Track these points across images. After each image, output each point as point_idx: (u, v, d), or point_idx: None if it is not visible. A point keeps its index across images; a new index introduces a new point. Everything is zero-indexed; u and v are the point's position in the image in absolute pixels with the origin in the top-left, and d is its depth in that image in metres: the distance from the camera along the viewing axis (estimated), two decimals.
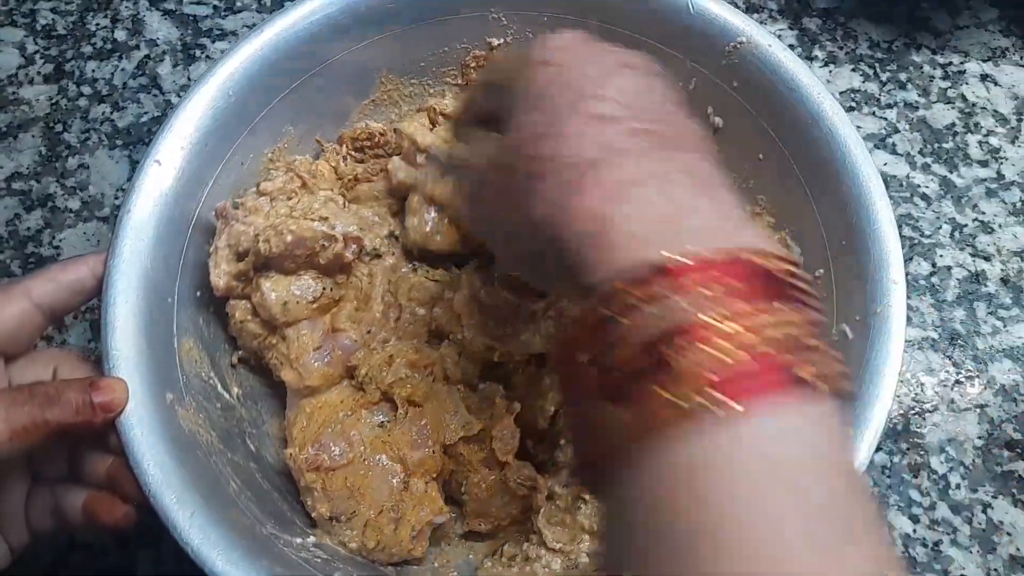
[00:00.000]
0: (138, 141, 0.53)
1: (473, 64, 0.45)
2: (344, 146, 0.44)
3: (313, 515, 0.36)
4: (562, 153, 0.24)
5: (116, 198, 0.51)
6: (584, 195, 0.22)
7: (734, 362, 0.18)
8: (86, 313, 0.48)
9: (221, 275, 0.37)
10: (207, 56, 0.55)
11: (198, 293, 0.39)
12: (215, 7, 0.57)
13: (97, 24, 0.56)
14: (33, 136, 0.53)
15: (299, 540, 0.35)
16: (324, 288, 0.39)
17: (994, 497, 0.44)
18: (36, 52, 0.55)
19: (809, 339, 0.20)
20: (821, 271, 0.39)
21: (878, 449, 0.44)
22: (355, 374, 0.38)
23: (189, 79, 0.55)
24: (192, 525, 0.31)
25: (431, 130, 0.45)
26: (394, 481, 0.36)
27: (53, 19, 0.56)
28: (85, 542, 0.42)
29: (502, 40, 0.44)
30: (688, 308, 0.19)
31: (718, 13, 0.40)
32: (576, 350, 0.21)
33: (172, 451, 0.33)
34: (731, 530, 0.18)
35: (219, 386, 0.39)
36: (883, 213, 0.36)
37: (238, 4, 0.57)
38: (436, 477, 0.38)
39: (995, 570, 0.42)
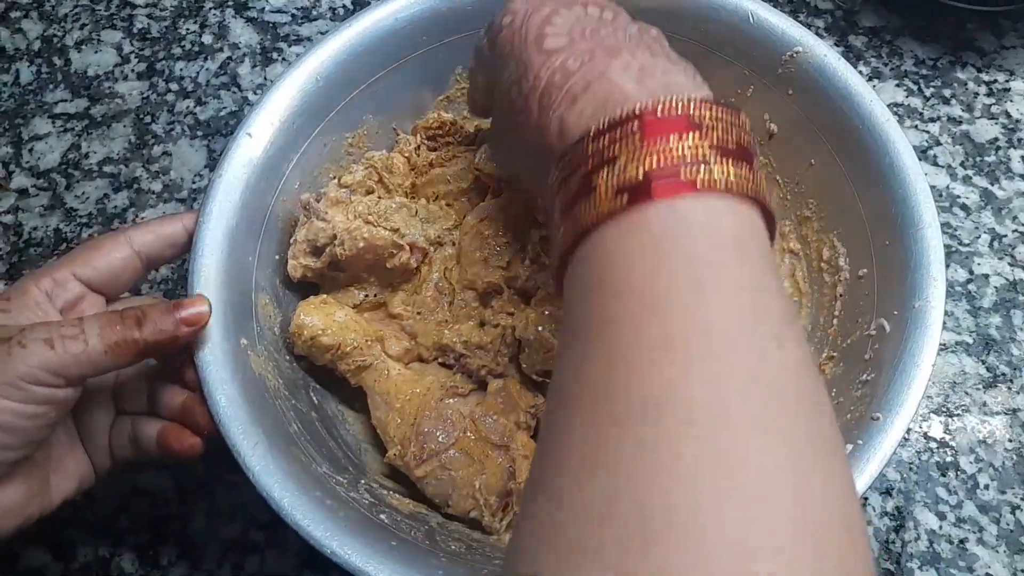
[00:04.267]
0: (216, 132, 0.61)
1: None
2: (418, 136, 0.51)
3: (436, 500, 0.43)
4: (539, 83, 0.31)
5: (194, 182, 0.59)
6: (568, 75, 0.30)
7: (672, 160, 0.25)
8: (160, 284, 0.56)
9: (298, 267, 0.45)
10: (283, 59, 0.64)
11: (276, 256, 0.45)
12: (292, 15, 0.65)
13: (187, 29, 0.65)
14: (124, 126, 0.61)
15: (350, 482, 0.41)
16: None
17: (1023, 500, 0.47)
18: (131, 52, 0.64)
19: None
20: (865, 270, 0.43)
21: (906, 444, 0.48)
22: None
23: (266, 79, 0.63)
24: (255, 454, 0.37)
25: None
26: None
27: (148, 23, 0.66)
28: (147, 490, 0.49)
29: None
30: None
31: (776, 23, 0.46)
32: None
33: (242, 389, 0.39)
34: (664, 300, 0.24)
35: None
36: (927, 214, 0.41)
37: (313, 13, 0.66)
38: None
39: (1021, 571, 0.45)
